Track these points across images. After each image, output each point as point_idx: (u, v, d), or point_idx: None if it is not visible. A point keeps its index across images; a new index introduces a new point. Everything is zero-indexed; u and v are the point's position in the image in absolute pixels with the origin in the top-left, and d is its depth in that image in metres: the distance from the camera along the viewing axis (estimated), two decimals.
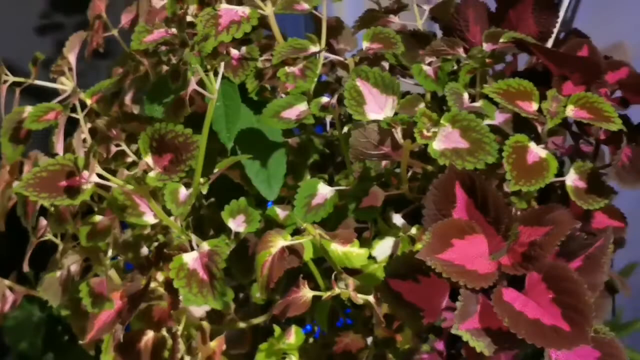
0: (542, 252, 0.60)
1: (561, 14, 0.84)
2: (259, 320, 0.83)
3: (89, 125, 0.78)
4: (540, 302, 0.60)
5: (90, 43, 0.87)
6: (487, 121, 0.74)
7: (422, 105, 0.75)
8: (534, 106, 0.68)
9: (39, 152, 0.77)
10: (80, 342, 0.71)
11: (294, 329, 0.74)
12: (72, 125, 0.77)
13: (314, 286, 0.69)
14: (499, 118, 0.74)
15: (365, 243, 0.75)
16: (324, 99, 0.71)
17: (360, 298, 0.65)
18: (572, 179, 0.70)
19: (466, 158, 0.65)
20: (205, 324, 0.74)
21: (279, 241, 0.65)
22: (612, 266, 1.30)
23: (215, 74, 0.69)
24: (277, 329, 0.73)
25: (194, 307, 0.81)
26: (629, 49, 1.01)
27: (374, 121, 0.68)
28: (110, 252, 0.72)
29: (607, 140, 0.72)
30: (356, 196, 0.73)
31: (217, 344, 0.75)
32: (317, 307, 0.83)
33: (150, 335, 0.72)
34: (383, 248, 0.74)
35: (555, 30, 0.83)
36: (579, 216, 0.76)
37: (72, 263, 0.75)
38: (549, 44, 0.84)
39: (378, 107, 0.69)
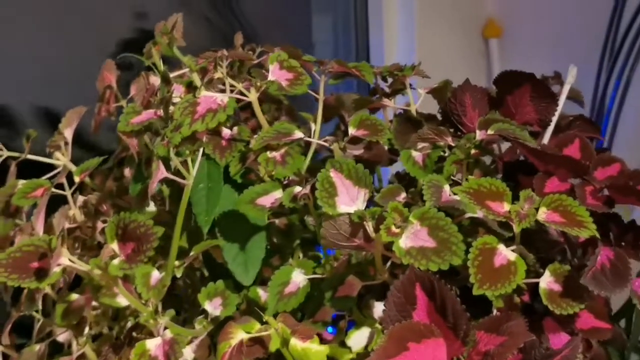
0: None
1: (561, 102, 0.82)
2: None
3: (82, 198, 0.81)
4: None
5: (98, 113, 0.89)
6: (469, 214, 0.73)
7: (403, 196, 0.75)
8: (506, 207, 0.67)
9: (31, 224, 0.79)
10: None
11: None
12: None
13: None
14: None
15: (340, 333, 0.74)
16: (297, 189, 0.71)
17: None
18: (546, 281, 0.68)
19: (431, 258, 0.64)
20: None
21: (239, 334, 0.66)
22: None
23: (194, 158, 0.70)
24: None
25: None
26: None
27: (344, 214, 0.68)
28: (87, 329, 0.73)
29: (586, 242, 0.70)
30: (332, 285, 0.73)
31: None
32: None
33: None
34: (359, 338, 0.73)
35: (556, 117, 0.82)
36: (563, 314, 0.74)
37: (58, 335, 0.77)
38: (549, 131, 0.82)
39: (349, 199, 0.69)
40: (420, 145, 0.80)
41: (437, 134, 0.77)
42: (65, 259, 0.65)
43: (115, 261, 0.65)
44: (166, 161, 0.71)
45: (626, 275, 0.68)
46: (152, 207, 0.80)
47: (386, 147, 0.86)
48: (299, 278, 0.73)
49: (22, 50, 1.27)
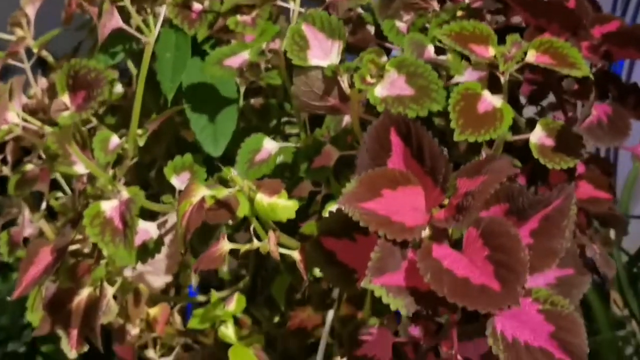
0: (474, 202, 0.53)
1: None
2: (221, 294, 0.77)
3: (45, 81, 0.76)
4: (475, 259, 0.53)
5: (69, 5, 0.84)
6: (457, 79, 0.67)
7: (384, 59, 0.69)
8: (491, 51, 0.61)
9: None
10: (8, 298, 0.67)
11: (236, 296, 0.68)
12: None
13: None
14: (472, 76, 0.67)
15: (317, 206, 0.69)
16: (265, 44, 0.66)
17: (282, 253, 0.59)
18: (537, 136, 0.62)
19: (409, 105, 0.59)
20: (142, 287, 0.69)
21: (201, 191, 0.60)
22: None
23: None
24: (213, 296, 0.68)
25: (153, 278, 0.76)
26: None
27: (316, 67, 0.63)
28: (43, 205, 0.69)
29: (580, 93, 0.64)
30: (307, 155, 0.68)
31: (159, 311, 0.70)
32: (276, 282, 0.77)
33: (84, 295, 0.68)
34: None
35: None
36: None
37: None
38: None
39: (323, 53, 0.63)
40: (405, 17, 0.74)
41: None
42: (12, 115, 0.61)
43: (66, 113, 0.60)
44: (126, 22, 0.66)
45: (625, 130, 0.63)
46: (119, 89, 0.76)
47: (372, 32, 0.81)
48: (270, 145, 0.68)
49: None
